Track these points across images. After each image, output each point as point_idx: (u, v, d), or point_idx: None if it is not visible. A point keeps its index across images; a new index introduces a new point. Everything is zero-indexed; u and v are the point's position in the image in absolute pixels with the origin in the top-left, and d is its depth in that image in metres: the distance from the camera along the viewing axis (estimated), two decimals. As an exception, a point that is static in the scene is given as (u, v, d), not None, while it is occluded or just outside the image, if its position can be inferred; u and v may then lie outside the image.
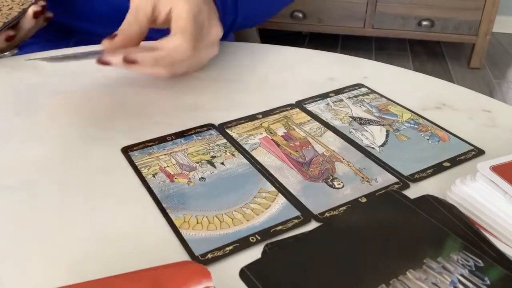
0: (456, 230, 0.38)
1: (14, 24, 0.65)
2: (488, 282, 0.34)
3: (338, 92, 0.60)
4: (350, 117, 0.55)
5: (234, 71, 0.66)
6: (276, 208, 0.42)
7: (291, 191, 0.44)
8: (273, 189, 0.44)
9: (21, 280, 0.35)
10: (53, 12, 0.69)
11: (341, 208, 0.42)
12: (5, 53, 0.68)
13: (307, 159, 0.48)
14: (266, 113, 0.56)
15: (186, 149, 0.49)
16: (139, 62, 0.52)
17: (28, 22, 0.65)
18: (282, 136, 0.52)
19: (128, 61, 0.52)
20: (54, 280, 0.35)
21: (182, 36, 0.54)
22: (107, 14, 0.72)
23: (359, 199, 0.43)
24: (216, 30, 0.58)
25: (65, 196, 0.43)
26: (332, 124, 0.54)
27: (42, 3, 0.66)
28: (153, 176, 0.45)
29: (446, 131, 0.53)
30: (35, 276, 0.36)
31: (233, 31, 0.75)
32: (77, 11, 0.75)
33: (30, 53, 0.70)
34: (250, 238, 0.39)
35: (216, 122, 0.54)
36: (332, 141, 0.51)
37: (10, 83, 0.62)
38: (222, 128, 0.53)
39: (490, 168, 0.40)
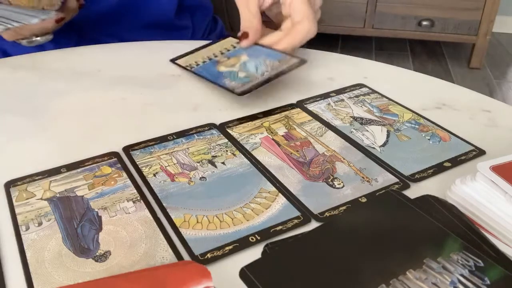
0: (456, 230, 0.38)
1: (61, 5, 0.64)
2: (488, 282, 0.34)
3: (339, 92, 0.60)
4: (351, 117, 0.55)
5: (235, 70, 0.66)
6: (276, 208, 0.42)
7: (292, 190, 0.44)
8: (274, 189, 0.44)
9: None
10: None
11: (341, 208, 0.42)
12: (37, 39, 0.66)
13: (307, 159, 0.48)
14: (267, 113, 0.56)
15: (187, 148, 0.49)
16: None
17: (72, 3, 0.65)
18: (283, 135, 0.52)
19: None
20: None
21: (308, 21, 0.60)
22: (100, 18, 0.73)
23: (359, 199, 0.43)
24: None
25: (65, 195, 0.43)
26: (333, 124, 0.54)
27: None
28: (154, 175, 0.46)
29: (447, 131, 0.53)
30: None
31: None
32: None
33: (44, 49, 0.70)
34: (250, 238, 0.39)
35: (217, 122, 0.54)
36: (332, 141, 0.51)
37: (10, 83, 0.62)
38: (223, 128, 0.53)
39: (490, 168, 0.40)
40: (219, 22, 0.90)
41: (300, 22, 0.60)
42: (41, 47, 0.75)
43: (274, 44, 0.61)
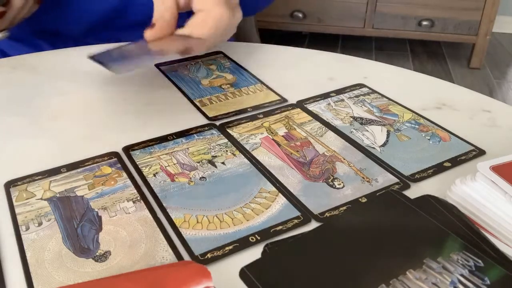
0: (456, 230, 0.38)
1: (5, 1, 0.63)
2: (488, 282, 0.34)
3: (339, 92, 0.60)
4: (351, 117, 0.55)
5: (235, 71, 0.66)
6: (276, 208, 0.42)
7: (292, 191, 0.44)
8: (274, 189, 0.44)
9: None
10: (42, 20, 0.69)
11: (341, 208, 0.42)
12: None
13: (307, 159, 0.48)
14: (267, 113, 0.56)
15: (187, 148, 0.49)
16: (194, 49, 0.57)
17: (18, 0, 0.63)
18: (283, 136, 0.52)
19: (184, 52, 0.57)
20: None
21: (218, 5, 0.54)
22: (95, 22, 0.73)
23: (360, 199, 0.43)
24: None
25: (65, 195, 0.43)
26: (333, 124, 0.54)
27: None
28: (154, 175, 0.45)
29: (447, 131, 0.53)
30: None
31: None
32: (65, 19, 0.75)
33: (16, 53, 0.70)
34: (250, 238, 0.39)
35: (217, 122, 0.54)
36: (333, 141, 0.51)
37: (10, 83, 0.62)
38: (223, 128, 0.53)
39: (490, 168, 0.40)
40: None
41: (205, 10, 0.54)
42: (40, 48, 0.75)
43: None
